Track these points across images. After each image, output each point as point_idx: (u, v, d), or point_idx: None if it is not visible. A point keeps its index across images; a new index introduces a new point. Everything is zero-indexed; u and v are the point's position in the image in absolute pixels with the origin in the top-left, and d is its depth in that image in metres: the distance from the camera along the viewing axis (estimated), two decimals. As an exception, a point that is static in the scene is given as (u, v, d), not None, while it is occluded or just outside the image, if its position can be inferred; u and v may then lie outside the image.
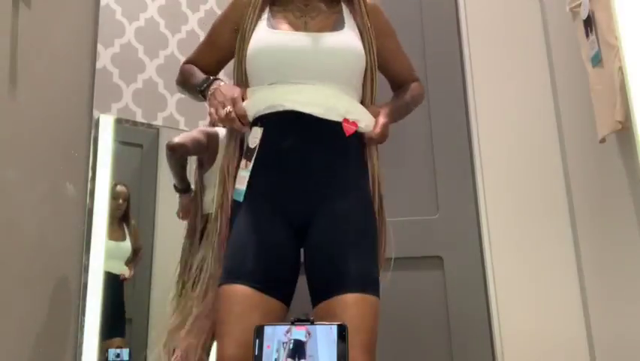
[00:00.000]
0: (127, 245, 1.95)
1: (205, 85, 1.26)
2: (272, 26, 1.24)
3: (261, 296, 1.09)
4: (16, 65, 1.51)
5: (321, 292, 1.11)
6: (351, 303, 1.07)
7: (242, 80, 1.26)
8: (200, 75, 1.32)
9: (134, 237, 2.00)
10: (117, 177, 1.92)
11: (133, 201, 2.00)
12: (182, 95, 2.18)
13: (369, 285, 1.11)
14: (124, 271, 1.94)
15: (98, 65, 1.90)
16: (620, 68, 1.27)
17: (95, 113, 1.85)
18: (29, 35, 1.57)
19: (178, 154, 1.92)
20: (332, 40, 1.22)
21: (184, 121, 2.09)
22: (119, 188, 1.95)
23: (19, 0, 1.51)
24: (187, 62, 1.41)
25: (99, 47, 1.90)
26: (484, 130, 1.94)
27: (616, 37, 1.28)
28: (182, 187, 1.96)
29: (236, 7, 1.30)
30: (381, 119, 1.24)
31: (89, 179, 1.79)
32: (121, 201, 1.96)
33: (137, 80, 2.00)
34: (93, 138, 1.83)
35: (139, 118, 1.99)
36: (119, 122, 1.94)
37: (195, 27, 2.18)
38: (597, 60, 1.44)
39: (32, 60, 1.60)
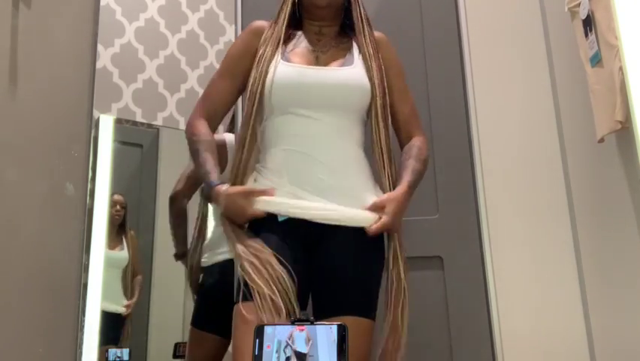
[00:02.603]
0: (124, 255, 1.94)
1: (210, 191, 1.25)
2: (287, 59, 1.29)
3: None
4: (16, 65, 1.51)
5: (321, 307, 1.17)
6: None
7: (253, 109, 1.27)
8: (202, 159, 1.28)
9: (132, 248, 1.98)
10: (117, 177, 1.92)
11: (133, 201, 2.00)
12: (182, 95, 2.18)
13: (366, 308, 1.17)
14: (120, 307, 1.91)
15: (98, 65, 1.90)
16: (620, 68, 1.27)
17: (95, 113, 1.85)
18: (29, 35, 1.57)
19: (176, 205, 1.93)
20: (342, 74, 1.29)
21: (184, 121, 2.09)
22: (116, 197, 1.94)
23: (19, 0, 1.51)
24: (205, 97, 1.38)
25: (99, 47, 1.90)
26: (484, 130, 1.94)
27: (616, 37, 1.28)
28: (180, 252, 1.96)
29: (256, 34, 1.35)
30: (384, 220, 1.22)
31: (89, 179, 1.79)
32: (118, 207, 1.95)
33: (137, 80, 2.00)
34: (93, 138, 1.83)
35: (139, 118, 1.99)
36: (119, 122, 1.94)
37: (195, 27, 2.18)
38: (596, 60, 1.44)
39: (32, 60, 1.60)
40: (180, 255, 1.99)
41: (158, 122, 2.04)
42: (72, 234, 1.69)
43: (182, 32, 2.14)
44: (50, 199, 1.62)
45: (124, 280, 1.93)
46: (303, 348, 0.81)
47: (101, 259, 1.79)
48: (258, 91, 1.25)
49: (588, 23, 1.46)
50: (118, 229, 1.95)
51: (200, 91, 2.11)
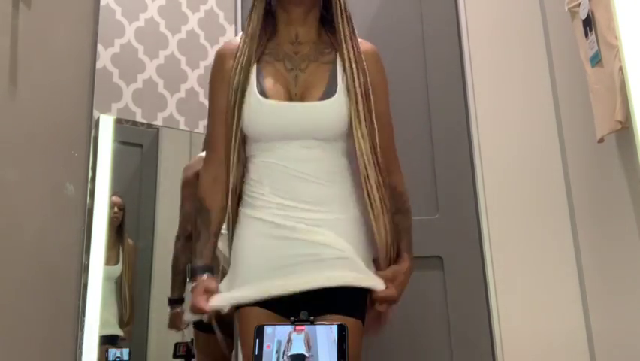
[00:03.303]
0: (117, 269, 1.92)
1: (190, 277, 1.22)
2: (262, 91, 1.20)
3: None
4: (16, 65, 1.51)
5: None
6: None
7: (233, 137, 1.21)
8: (204, 244, 1.23)
9: (128, 258, 1.94)
10: (117, 177, 1.92)
11: (132, 202, 2.00)
12: (182, 95, 2.18)
13: (356, 308, 1.15)
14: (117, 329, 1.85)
15: (98, 65, 1.90)
16: (620, 68, 1.27)
17: (95, 113, 1.85)
18: (29, 35, 1.57)
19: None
20: (323, 110, 1.20)
21: (184, 121, 2.09)
22: (114, 198, 1.90)
23: (19, 0, 1.51)
24: (210, 142, 1.29)
25: (99, 47, 1.90)
26: (484, 130, 1.94)
27: (616, 37, 1.28)
28: (175, 297, 1.91)
29: (226, 61, 1.25)
30: (391, 293, 1.20)
31: (89, 179, 1.79)
32: (116, 209, 1.91)
33: (137, 80, 2.00)
34: (93, 138, 1.82)
35: (139, 118, 1.99)
36: (119, 122, 1.94)
37: (195, 27, 2.18)
38: (596, 60, 1.44)
39: (32, 60, 1.60)
40: (174, 300, 1.92)
41: (158, 122, 2.04)
42: (72, 234, 1.69)
43: (182, 32, 2.14)
44: (50, 199, 1.62)
45: (118, 293, 1.89)
46: (301, 349, 0.81)
47: (101, 259, 1.79)
48: (234, 124, 1.20)
49: (588, 23, 1.46)
50: (116, 236, 1.91)
51: (201, 91, 2.12)
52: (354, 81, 1.20)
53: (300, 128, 1.19)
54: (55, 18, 1.71)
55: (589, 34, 1.47)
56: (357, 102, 1.19)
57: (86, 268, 1.71)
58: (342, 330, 0.82)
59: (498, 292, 1.81)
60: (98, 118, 1.88)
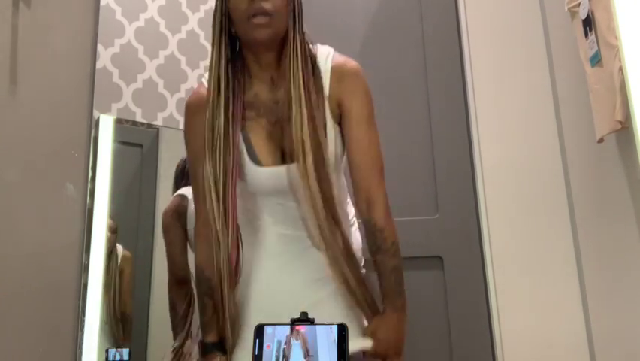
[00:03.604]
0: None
1: (201, 355, 1.17)
2: (255, 159, 1.15)
3: None
4: (16, 65, 1.51)
5: None
6: None
7: (230, 208, 1.11)
8: (209, 319, 1.17)
9: (123, 279, 1.84)
10: (117, 177, 1.92)
11: (133, 201, 2.00)
12: (182, 95, 2.18)
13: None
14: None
15: (98, 65, 1.89)
16: (620, 68, 1.27)
17: (95, 113, 1.85)
18: (29, 35, 1.57)
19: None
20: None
21: (184, 121, 2.09)
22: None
23: (19, 0, 1.51)
24: (197, 202, 1.19)
25: (99, 47, 1.90)
26: (484, 130, 1.94)
27: (616, 37, 1.28)
28: (176, 346, 1.83)
29: (199, 116, 1.15)
30: (375, 347, 1.13)
31: (89, 179, 1.79)
32: (109, 234, 1.82)
33: (137, 80, 2.00)
34: (93, 138, 1.82)
35: (139, 118, 1.99)
36: (119, 122, 1.94)
37: (195, 27, 2.18)
38: (596, 60, 1.44)
39: (32, 60, 1.60)
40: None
41: (158, 122, 2.04)
42: (72, 234, 1.69)
43: (182, 32, 2.14)
44: (50, 199, 1.62)
45: (109, 319, 1.85)
46: (299, 358, 0.81)
47: (101, 259, 1.79)
48: (226, 192, 1.10)
49: (588, 23, 1.46)
50: (106, 260, 1.79)
51: (200, 91, 2.11)
52: (298, 134, 1.08)
53: (296, 186, 1.12)
54: (55, 18, 1.71)
55: (589, 34, 1.47)
56: (304, 159, 1.07)
57: (85, 268, 1.70)
58: (342, 330, 0.82)
59: (498, 292, 1.81)
60: (98, 118, 1.87)
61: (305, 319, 0.83)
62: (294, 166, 1.11)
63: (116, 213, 1.87)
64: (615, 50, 1.31)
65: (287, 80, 1.11)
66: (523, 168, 1.89)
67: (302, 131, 1.08)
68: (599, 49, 1.42)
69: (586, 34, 1.49)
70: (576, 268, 1.79)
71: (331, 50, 1.20)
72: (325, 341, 0.81)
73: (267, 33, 1.09)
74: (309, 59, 1.14)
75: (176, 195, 1.97)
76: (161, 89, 2.06)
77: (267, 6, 1.07)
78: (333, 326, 0.82)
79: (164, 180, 2.04)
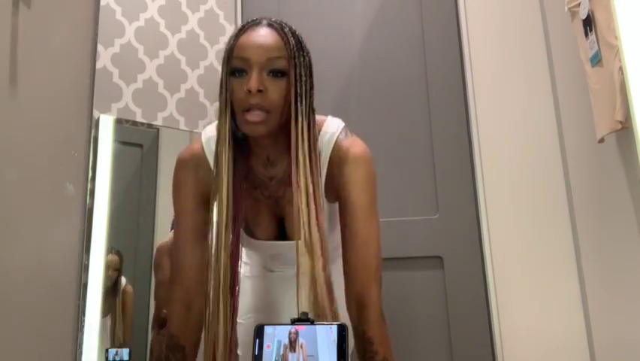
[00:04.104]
0: (107, 320, 1.80)
1: None
2: (250, 232, 1.19)
3: None
4: (16, 65, 1.51)
5: None
6: None
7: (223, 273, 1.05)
8: None
9: (124, 312, 1.82)
10: (117, 177, 1.92)
11: (133, 201, 2.00)
12: (182, 95, 2.18)
13: None
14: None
15: (98, 65, 1.89)
16: (620, 68, 1.27)
17: (95, 113, 1.85)
18: (29, 35, 1.57)
19: None
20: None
21: (184, 121, 2.09)
22: (110, 257, 1.80)
23: (19, 0, 1.51)
24: (179, 273, 1.14)
25: (99, 47, 1.90)
26: (484, 130, 1.94)
27: (616, 37, 1.28)
28: None
29: (192, 174, 1.15)
30: None
31: (89, 179, 1.79)
32: (110, 272, 1.80)
33: (137, 80, 2.00)
34: (93, 138, 1.82)
35: (139, 118, 1.99)
36: (119, 122, 1.94)
37: (195, 27, 2.18)
38: (596, 60, 1.44)
39: (32, 60, 1.59)
40: None
41: (158, 122, 2.04)
42: (72, 234, 1.69)
43: (182, 32, 2.14)
44: (50, 199, 1.62)
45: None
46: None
47: (101, 259, 1.79)
48: (226, 272, 1.05)
49: (588, 23, 1.46)
50: (107, 293, 1.77)
51: (201, 91, 2.12)
52: (304, 218, 1.02)
53: (290, 259, 1.07)
54: (55, 18, 1.71)
55: (589, 34, 1.47)
56: (310, 237, 1.01)
57: (85, 268, 1.70)
58: (342, 330, 0.82)
59: (498, 292, 1.81)
60: (98, 118, 1.87)
61: (305, 319, 0.83)
62: (287, 243, 1.13)
63: (116, 213, 1.87)
64: (615, 50, 1.31)
65: (292, 163, 1.04)
66: (524, 168, 1.89)
67: (308, 215, 1.01)
68: (599, 49, 1.42)
69: (586, 34, 1.49)
70: (576, 268, 1.79)
71: (339, 127, 1.13)
72: (325, 341, 0.81)
73: (261, 130, 1.03)
74: (316, 144, 1.08)
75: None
76: (161, 89, 2.06)
77: (264, 103, 1.01)
78: (333, 326, 0.82)
79: (164, 180, 2.04)
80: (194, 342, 1.10)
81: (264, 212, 1.16)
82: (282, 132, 1.07)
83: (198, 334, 1.10)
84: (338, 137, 1.11)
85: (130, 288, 1.89)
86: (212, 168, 1.11)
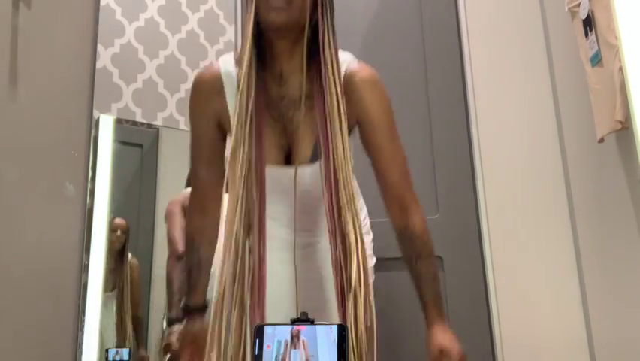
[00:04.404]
0: (113, 296, 1.88)
1: (181, 319, 1.18)
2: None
3: None
4: (16, 65, 1.51)
5: None
6: None
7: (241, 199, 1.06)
8: (195, 281, 1.17)
9: (128, 290, 1.87)
10: (117, 177, 1.92)
11: (132, 202, 2.00)
12: (182, 95, 2.18)
13: None
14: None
15: (98, 65, 1.90)
16: (620, 68, 1.27)
17: (95, 113, 1.85)
18: (29, 35, 1.57)
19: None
20: (307, 177, 1.12)
21: (184, 121, 2.09)
22: (117, 220, 1.87)
23: (19, 0, 1.51)
24: (195, 178, 1.21)
25: (99, 47, 1.90)
26: (484, 130, 1.94)
27: (616, 37, 1.28)
28: (173, 316, 1.82)
29: (211, 97, 1.15)
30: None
31: (89, 179, 1.79)
32: (119, 232, 1.87)
33: (137, 80, 2.00)
34: (93, 138, 1.82)
35: (139, 118, 1.99)
36: (119, 122, 1.94)
37: (195, 27, 2.18)
38: (596, 60, 1.44)
39: (32, 60, 1.59)
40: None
41: (158, 122, 2.04)
42: (72, 234, 1.69)
43: (182, 32, 2.14)
44: (50, 199, 1.62)
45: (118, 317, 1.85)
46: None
47: (101, 259, 1.79)
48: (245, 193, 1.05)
49: (588, 23, 1.46)
50: (115, 261, 1.84)
51: (200, 91, 2.11)
52: (328, 142, 1.05)
53: (293, 192, 1.13)
54: (55, 18, 1.71)
55: (589, 34, 1.47)
56: (335, 157, 1.04)
57: (85, 268, 1.70)
58: (342, 330, 0.82)
59: (498, 292, 1.81)
60: (98, 118, 1.87)
61: (305, 319, 0.83)
62: (290, 170, 1.12)
63: (116, 213, 1.87)
64: (615, 50, 1.31)
65: (321, 69, 1.07)
66: (523, 168, 1.89)
67: (337, 126, 1.05)
68: (599, 49, 1.42)
69: (586, 34, 1.49)
70: (576, 268, 1.79)
71: (350, 58, 1.17)
72: (325, 341, 0.81)
73: (283, 17, 1.04)
74: (338, 61, 1.11)
75: (186, 192, 1.97)
76: (161, 89, 2.06)
77: None
78: (333, 326, 0.82)
79: (164, 180, 2.04)
80: (209, 241, 1.19)
81: (270, 136, 1.13)
82: (298, 45, 1.09)
83: (213, 234, 1.19)
84: (350, 64, 1.15)
85: (135, 261, 1.93)
86: (225, 89, 1.13)
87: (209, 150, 1.18)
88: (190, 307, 1.17)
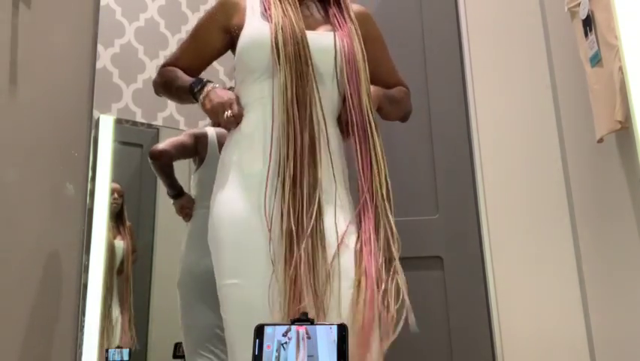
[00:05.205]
0: (119, 244, 1.94)
1: (199, 86, 1.27)
2: (265, 18, 1.25)
3: None
4: (16, 65, 1.51)
5: None
6: None
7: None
8: (186, 77, 1.31)
9: (129, 237, 1.98)
10: (117, 177, 1.92)
11: (133, 201, 2.00)
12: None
13: None
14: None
15: (98, 65, 1.90)
16: (620, 68, 1.27)
17: (95, 113, 1.85)
18: (29, 35, 1.57)
19: (160, 162, 1.93)
20: (321, 37, 1.25)
21: (184, 121, 2.10)
22: (113, 185, 1.95)
23: (19, 0, 1.51)
24: (167, 64, 1.38)
25: (99, 47, 1.90)
26: (484, 130, 1.94)
27: (616, 37, 1.28)
28: (173, 193, 1.97)
29: (224, 9, 1.31)
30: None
31: (89, 179, 1.79)
32: (116, 195, 1.95)
33: (137, 80, 2.00)
34: (93, 138, 1.83)
35: (139, 118, 2.00)
36: (119, 122, 1.94)
37: (195, 27, 2.18)
38: (596, 60, 1.44)
39: (32, 60, 1.59)
40: (172, 195, 1.98)
41: (158, 122, 2.05)
42: (72, 234, 1.69)
43: (182, 32, 2.14)
44: (50, 199, 1.62)
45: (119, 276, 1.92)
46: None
47: (101, 259, 1.79)
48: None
49: (588, 23, 1.46)
50: (115, 220, 1.94)
51: (200, 91, 2.11)
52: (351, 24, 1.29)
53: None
54: (55, 18, 1.71)
55: (589, 34, 1.47)
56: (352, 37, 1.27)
57: (86, 268, 1.71)
58: (342, 330, 0.82)
59: (498, 292, 1.81)
60: (98, 118, 1.88)
61: (305, 319, 0.83)
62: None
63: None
64: (615, 50, 1.31)
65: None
66: (523, 168, 1.89)
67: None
68: (599, 49, 1.42)
69: (586, 34, 1.49)
70: (576, 268, 1.79)
71: None
72: (325, 341, 0.81)
73: None
74: None
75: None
76: (161, 89, 2.06)
77: None
78: (333, 326, 0.82)
79: (164, 180, 2.04)
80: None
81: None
82: None
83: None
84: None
85: (129, 223, 2.01)
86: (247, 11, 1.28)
87: (203, 35, 1.32)
88: (194, 82, 1.28)
